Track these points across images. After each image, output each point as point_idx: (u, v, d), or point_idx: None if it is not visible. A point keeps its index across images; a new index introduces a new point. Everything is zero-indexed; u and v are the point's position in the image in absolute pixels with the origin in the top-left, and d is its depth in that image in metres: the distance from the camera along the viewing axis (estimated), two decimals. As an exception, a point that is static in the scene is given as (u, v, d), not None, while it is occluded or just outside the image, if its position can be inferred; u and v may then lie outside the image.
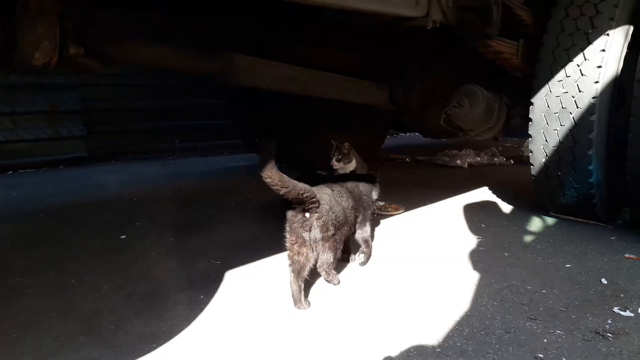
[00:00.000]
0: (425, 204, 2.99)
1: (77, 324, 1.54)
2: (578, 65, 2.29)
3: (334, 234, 1.74)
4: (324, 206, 1.72)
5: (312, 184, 2.47)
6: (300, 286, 1.66)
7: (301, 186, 1.67)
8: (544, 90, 2.42)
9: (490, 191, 3.36)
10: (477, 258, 2.13)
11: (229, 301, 1.70)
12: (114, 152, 4.46)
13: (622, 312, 1.65)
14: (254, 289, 1.81)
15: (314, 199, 1.69)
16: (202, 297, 1.72)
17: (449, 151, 4.70)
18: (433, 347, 1.43)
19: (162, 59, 2.16)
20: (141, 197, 3.16)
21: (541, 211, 2.76)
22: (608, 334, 1.50)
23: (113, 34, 1.96)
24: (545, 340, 1.47)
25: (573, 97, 2.30)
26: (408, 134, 6.87)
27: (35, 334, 1.48)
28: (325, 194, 1.79)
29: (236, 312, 1.62)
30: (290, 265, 1.69)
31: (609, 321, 1.58)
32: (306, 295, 1.70)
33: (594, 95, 2.25)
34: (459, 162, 4.38)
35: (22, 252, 2.15)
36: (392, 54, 3.24)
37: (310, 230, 1.68)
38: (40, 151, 4.04)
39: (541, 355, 1.39)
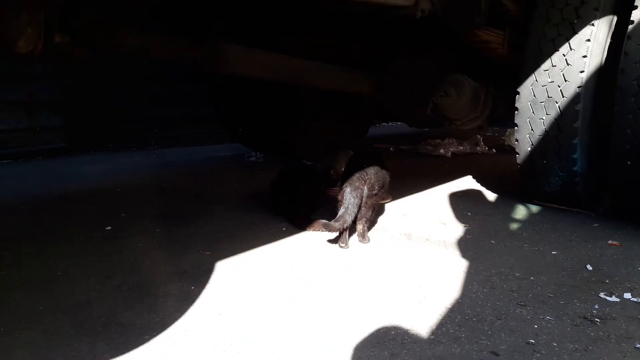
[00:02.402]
0: (411, 193, 3.00)
1: (66, 317, 1.50)
2: (564, 55, 2.31)
3: (375, 194, 2.18)
4: (371, 170, 2.18)
5: (300, 177, 2.49)
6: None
7: None
8: (530, 80, 2.44)
9: (475, 180, 3.39)
10: (465, 246, 2.15)
11: (221, 292, 1.68)
12: (93, 143, 4.37)
13: (608, 298, 1.68)
14: (245, 279, 1.79)
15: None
16: (193, 288, 1.70)
17: (432, 140, 4.73)
18: (427, 334, 1.44)
19: (149, 47, 2.11)
20: (124, 188, 3.10)
21: (525, 199, 2.80)
22: (596, 319, 1.53)
23: (98, 21, 1.90)
24: (536, 326, 1.49)
25: (559, 86, 2.33)
26: (390, 123, 6.88)
27: (23, 328, 1.44)
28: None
29: (229, 303, 1.60)
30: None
31: (596, 306, 1.61)
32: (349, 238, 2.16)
33: (579, 84, 2.28)
34: (442, 151, 4.41)
35: (3, 245, 2.09)
36: (378, 42, 3.23)
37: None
38: (17, 142, 3.93)
39: (532, 341, 1.40)
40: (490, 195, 3.00)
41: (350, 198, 2.11)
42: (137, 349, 1.35)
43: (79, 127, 4.26)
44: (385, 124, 6.99)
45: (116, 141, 4.47)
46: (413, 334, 1.44)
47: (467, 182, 3.34)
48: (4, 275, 1.79)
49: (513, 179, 3.08)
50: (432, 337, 1.43)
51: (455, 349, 1.36)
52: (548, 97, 2.37)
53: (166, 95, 4.74)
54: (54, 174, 3.55)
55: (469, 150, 4.55)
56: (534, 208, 2.70)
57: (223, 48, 2.32)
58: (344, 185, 2.16)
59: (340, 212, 2.11)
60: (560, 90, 2.32)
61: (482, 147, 4.63)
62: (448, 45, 2.86)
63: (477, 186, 3.23)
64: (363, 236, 2.18)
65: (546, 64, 2.37)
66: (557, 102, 2.35)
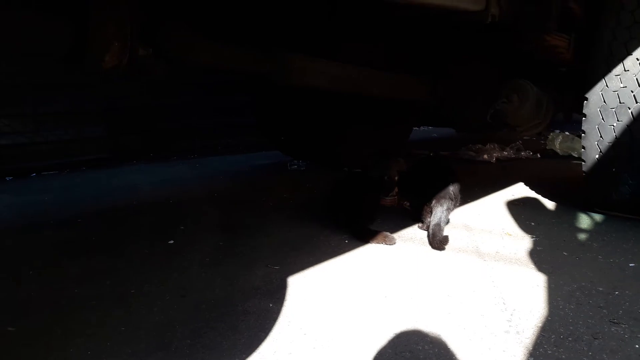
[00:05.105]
0: (466, 201, 2.92)
1: (151, 338, 1.47)
2: (637, 59, 2.23)
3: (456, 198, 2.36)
4: (452, 185, 2.37)
5: (360, 187, 2.47)
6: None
7: None
8: (600, 85, 2.35)
9: (527, 187, 3.30)
10: (538, 258, 2.08)
11: (300, 310, 1.64)
12: (135, 153, 4.37)
13: None
14: (320, 295, 1.74)
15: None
16: (271, 305, 1.66)
17: (473, 146, 4.64)
18: (525, 356, 1.37)
19: (224, 60, 2.08)
20: (176, 199, 3.08)
21: (586, 207, 2.71)
22: (699, 338, 1.45)
23: (179, 34, 1.88)
24: (637, 346, 1.42)
25: (632, 91, 2.24)
26: (422, 127, 6.76)
27: (110, 351, 1.41)
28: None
29: (310, 322, 1.56)
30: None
31: (696, 324, 1.54)
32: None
33: (655, 89, 2.20)
34: (485, 157, 4.32)
35: (72, 261, 2.07)
36: (433, 47, 3.16)
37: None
38: (62, 152, 3.95)
39: (639, 363, 1.34)
40: (549, 204, 2.92)
41: (442, 211, 2.28)
42: (232, 372, 1.31)
43: (121, 137, 4.27)
44: (416, 128, 6.87)
45: (157, 151, 4.46)
46: (511, 356, 1.37)
47: (521, 190, 3.25)
48: (79, 294, 1.76)
49: (566, 186, 3.00)
50: (532, 359, 1.36)
51: (561, 373, 1.30)
52: (620, 102, 2.29)
53: (205, 104, 4.74)
54: (101, 185, 3.55)
55: (513, 156, 4.45)
56: (597, 217, 2.61)
57: (289, 59, 2.28)
58: (434, 204, 2.28)
59: (433, 228, 2.24)
60: (634, 95, 2.24)
61: (525, 152, 4.53)
62: (507, 50, 2.78)
63: (531, 194, 3.15)
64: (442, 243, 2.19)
65: (618, 69, 2.28)
66: (629, 108, 2.26)
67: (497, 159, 4.34)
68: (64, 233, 2.47)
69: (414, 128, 6.79)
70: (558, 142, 4.56)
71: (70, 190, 3.38)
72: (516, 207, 2.84)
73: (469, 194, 3.05)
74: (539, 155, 4.50)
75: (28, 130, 3.79)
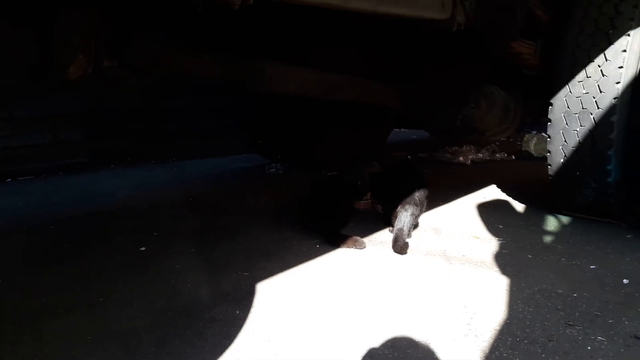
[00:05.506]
0: (438, 204, 2.98)
1: (116, 346, 1.49)
2: (599, 66, 2.29)
3: (421, 203, 2.41)
4: (419, 190, 2.41)
5: (334, 191, 2.50)
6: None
7: None
8: (564, 91, 2.42)
9: (499, 189, 3.37)
10: (503, 261, 2.13)
11: (265, 316, 1.67)
12: (113, 156, 4.35)
13: (657, 315, 1.66)
14: (286, 302, 1.78)
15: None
16: (237, 312, 1.69)
17: (450, 148, 4.71)
18: (481, 359, 1.42)
19: (193, 69, 2.10)
20: (152, 204, 3.08)
21: (554, 209, 2.77)
22: (649, 339, 1.51)
23: (146, 45, 1.89)
24: (589, 348, 1.47)
25: (594, 97, 2.31)
26: (402, 129, 6.83)
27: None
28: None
29: (275, 329, 1.59)
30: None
31: (647, 325, 1.59)
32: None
33: (615, 95, 2.26)
34: (461, 159, 4.39)
35: (42, 268, 2.08)
36: (404, 54, 3.21)
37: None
38: (39, 157, 3.92)
39: (590, 364, 1.39)
40: (518, 206, 2.98)
41: (406, 217, 2.32)
42: (194, 380, 1.34)
43: (100, 141, 4.24)
44: (396, 129, 6.93)
45: (136, 155, 4.45)
46: (467, 359, 1.42)
47: (493, 192, 3.31)
48: (47, 302, 1.77)
49: (538, 187, 3.06)
50: (488, 362, 1.41)
51: (514, 376, 1.35)
52: (582, 108, 2.35)
53: (183, 107, 4.72)
54: (78, 190, 3.53)
55: (488, 158, 4.52)
56: (564, 219, 2.68)
57: (263, 67, 2.31)
58: (399, 209, 2.33)
59: (396, 233, 2.29)
60: (596, 101, 2.30)
61: (500, 154, 4.60)
62: (476, 56, 2.84)
63: (503, 196, 3.21)
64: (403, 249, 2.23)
65: (580, 75, 2.35)
66: (592, 114, 2.32)
67: (472, 160, 4.41)
68: (36, 239, 2.47)
69: (395, 130, 6.93)
70: (533, 143, 4.64)
71: (46, 196, 3.36)
72: (486, 210, 2.90)
73: (442, 197, 3.11)
74: (513, 157, 4.58)
75: (4, 135, 3.75)
